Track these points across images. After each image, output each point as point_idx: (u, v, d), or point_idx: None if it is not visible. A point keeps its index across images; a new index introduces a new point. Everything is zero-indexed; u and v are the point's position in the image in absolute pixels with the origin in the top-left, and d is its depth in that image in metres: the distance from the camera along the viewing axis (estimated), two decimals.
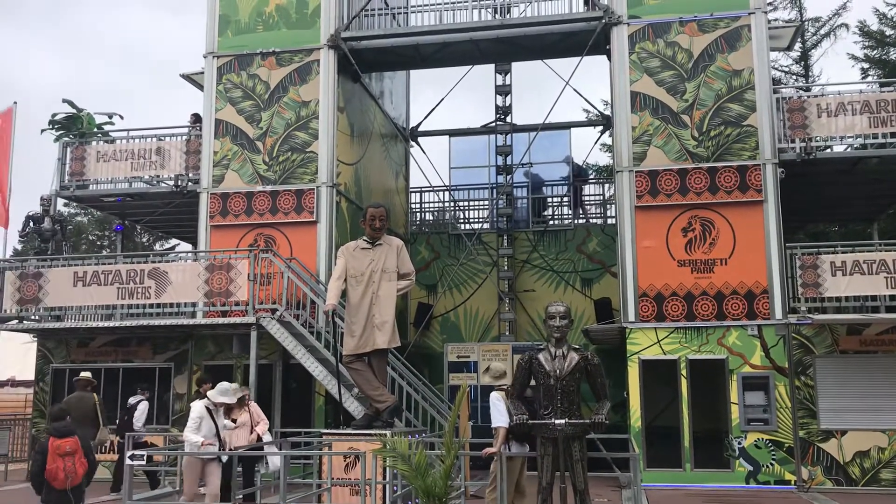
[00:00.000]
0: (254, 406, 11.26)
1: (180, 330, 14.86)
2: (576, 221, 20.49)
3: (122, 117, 17.26)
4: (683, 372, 13.61)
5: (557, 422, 7.09)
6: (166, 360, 15.38)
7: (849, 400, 13.17)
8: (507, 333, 19.64)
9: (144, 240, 32.57)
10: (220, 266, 13.95)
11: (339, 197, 15.63)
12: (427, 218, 22.31)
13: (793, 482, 13.04)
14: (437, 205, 21.98)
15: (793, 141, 14.05)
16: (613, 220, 20.39)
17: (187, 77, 17.35)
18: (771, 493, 12.74)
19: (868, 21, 31.26)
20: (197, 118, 16.94)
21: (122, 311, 14.45)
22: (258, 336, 13.62)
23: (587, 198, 21.20)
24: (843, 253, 13.46)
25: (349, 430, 10.35)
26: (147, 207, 17.53)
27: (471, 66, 19.10)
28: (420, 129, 21.49)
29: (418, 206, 21.89)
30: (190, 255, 14.71)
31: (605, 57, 16.21)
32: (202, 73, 16.46)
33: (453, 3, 16.27)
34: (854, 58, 32.06)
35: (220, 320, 13.93)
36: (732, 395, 13.40)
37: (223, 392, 9.46)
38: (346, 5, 16.11)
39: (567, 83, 16.46)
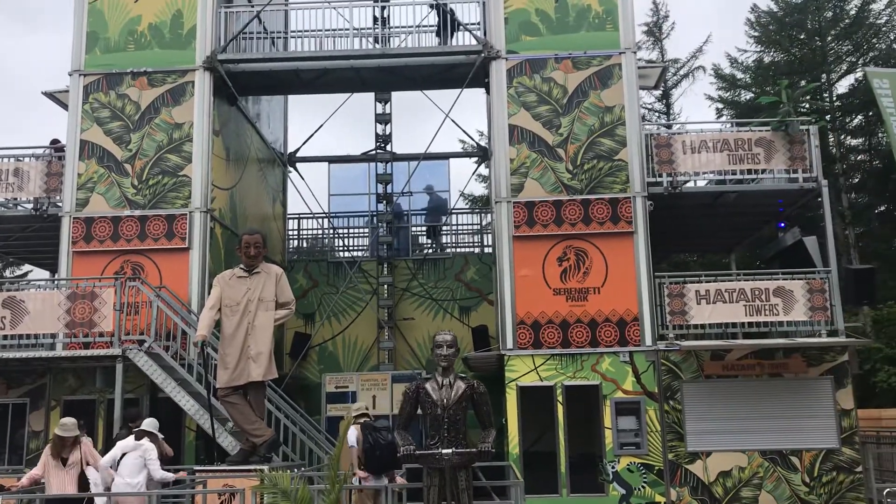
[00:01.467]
0: (86, 444, 10.40)
1: (37, 363, 13.88)
2: (431, 251, 20.68)
3: None
4: (560, 398, 13.91)
5: (444, 451, 7.05)
6: (21, 396, 14.30)
7: (713, 422, 13.82)
8: (386, 362, 19.50)
9: None
10: (83, 294, 13.18)
11: (214, 223, 15.13)
12: (304, 245, 21.98)
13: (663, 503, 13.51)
14: (315, 232, 21.70)
15: (660, 175, 14.75)
16: (490, 249, 20.82)
17: (50, 95, 16.41)
18: None
19: (721, 65, 33.52)
20: (56, 143, 16.03)
21: None
22: (124, 368, 12.93)
23: (463, 227, 21.51)
24: (707, 282, 14.21)
25: (224, 467, 9.92)
26: (2, 232, 16.38)
27: (350, 94, 19.07)
28: (298, 154, 21.19)
29: (296, 232, 21.53)
30: (49, 282, 13.77)
31: (483, 90, 16.61)
32: (66, 91, 15.62)
33: (334, 30, 16.22)
34: (710, 98, 34.30)
35: (83, 352, 13.11)
36: (606, 420, 13.79)
37: (152, 425, 8.98)
38: (223, 27, 15.72)
39: (447, 115, 16.66)
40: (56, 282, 13.72)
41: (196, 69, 15.20)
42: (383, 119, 20.82)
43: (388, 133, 20.88)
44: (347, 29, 16.03)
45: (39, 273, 21.80)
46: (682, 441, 13.75)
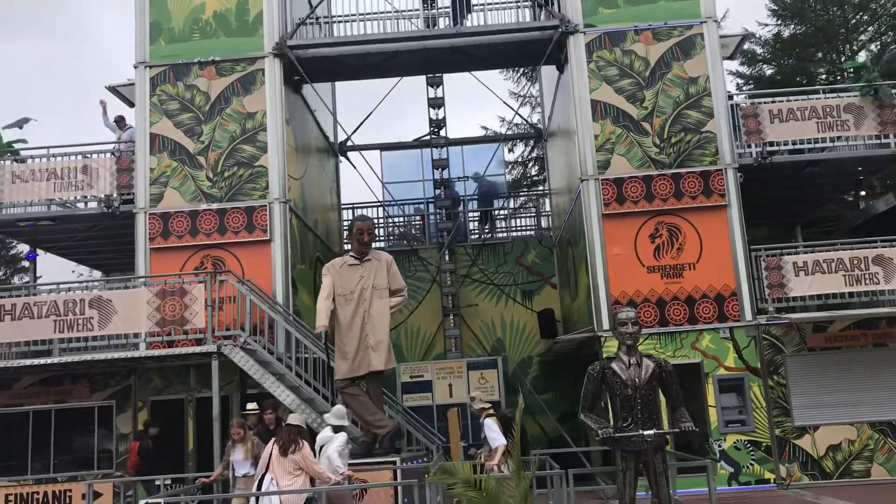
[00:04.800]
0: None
1: (122, 364, 13.52)
2: (489, 236, 20.29)
3: (35, 120, 15.59)
4: None
5: (646, 432, 6.71)
6: (107, 398, 13.94)
7: (819, 396, 13.51)
8: (452, 350, 19.17)
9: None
10: (172, 291, 12.79)
11: (290, 214, 14.75)
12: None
13: (772, 480, 13.22)
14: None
15: (748, 146, 14.39)
16: (549, 232, 20.50)
17: (113, 89, 15.96)
18: (755, 494, 12.85)
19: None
20: (122, 121, 15.67)
21: (59, 346, 12.98)
22: (215, 366, 12.58)
23: (523, 210, 21.16)
24: (804, 253, 13.87)
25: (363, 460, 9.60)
26: (66, 232, 15.97)
27: (400, 78, 18.67)
28: (349, 143, 20.77)
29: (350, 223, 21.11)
30: (137, 280, 13.36)
31: (554, 67, 16.21)
32: (131, 84, 15.20)
33: (400, 11, 15.80)
34: (731, 73, 33.74)
35: (177, 350, 12.72)
36: (710, 398, 13.47)
37: (340, 415, 8.53)
38: (289, 12, 15.30)
39: (500, 98, 16.24)
40: (145, 279, 13.29)
41: (265, 56, 14.78)
42: (436, 103, 20.43)
43: (441, 117, 20.48)
44: (413, 10, 15.63)
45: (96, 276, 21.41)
46: (789, 416, 13.44)
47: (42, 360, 12.95)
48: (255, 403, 10.43)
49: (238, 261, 14.11)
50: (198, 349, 12.62)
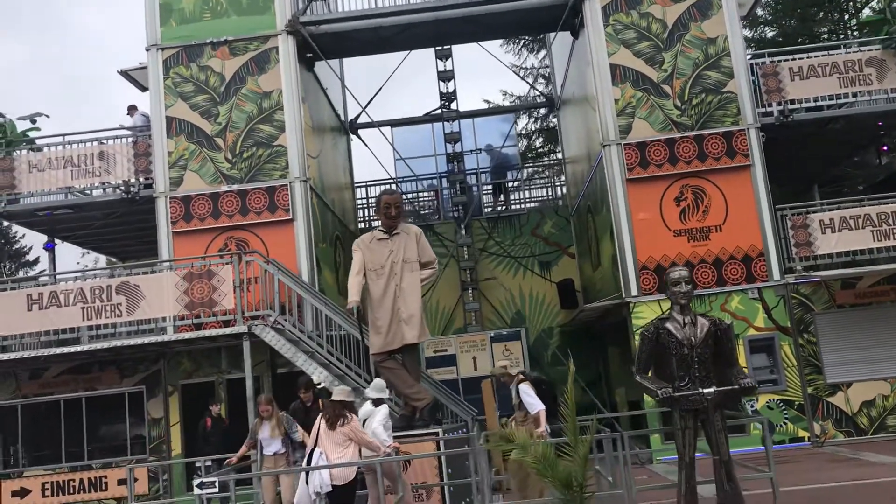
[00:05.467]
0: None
1: (151, 349, 13.49)
2: (503, 208, 20.18)
3: (47, 116, 15.47)
4: None
5: (706, 390, 6.67)
6: (136, 384, 13.92)
7: (850, 352, 13.49)
8: (473, 324, 19.15)
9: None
10: (199, 274, 12.74)
11: (311, 192, 14.65)
12: (372, 214, 21.50)
13: (807, 438, 13.23)
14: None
15: (769, 104, 14.26)
16: (565, 202, 20.40)
17: (125, 73, 15.80)
18: (790, 452, 12.84)
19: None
20: (132, 108, 15.57)
21: (88, 334, 12.96)
22: (247, 347, 12.56)
23: (538, 181, 21.05)
24: (829, 210, 13.79)
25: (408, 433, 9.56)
26: (83, 220, 15.90)
27: (408, 52, 18.53)
28: (361, 120, 20.62)
29: (364, 201, 21.04)
30: (164, 264, 13.28)
31: (569, 33, 16.04)
32: (144, 68, 15.04)
33: None
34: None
35: (205, 333, 12.70)
36: (741, 359, 13.43)
37: (379, 388, 8.44)
38: None
39: (511, 68, 16.09)
40: (170, 263, 13.22)
41: (279, 34, 14.62)
42: (446, 76, 20.24)
43: (451, 91, 20.31)
44: None
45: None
46: (821, 374, 13.43)
47: (71, 349, 12.95)
48: (317, 376, 10.37)
49: (262, 241, 14.04)
50: (228, 330, 12.60)
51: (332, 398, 7.93)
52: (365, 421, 8.31)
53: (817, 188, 19.04)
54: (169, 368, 13.93)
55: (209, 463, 10.81)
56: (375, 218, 20.98)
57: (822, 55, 14.54)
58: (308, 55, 15.47)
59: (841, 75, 14.30)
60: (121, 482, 13.50)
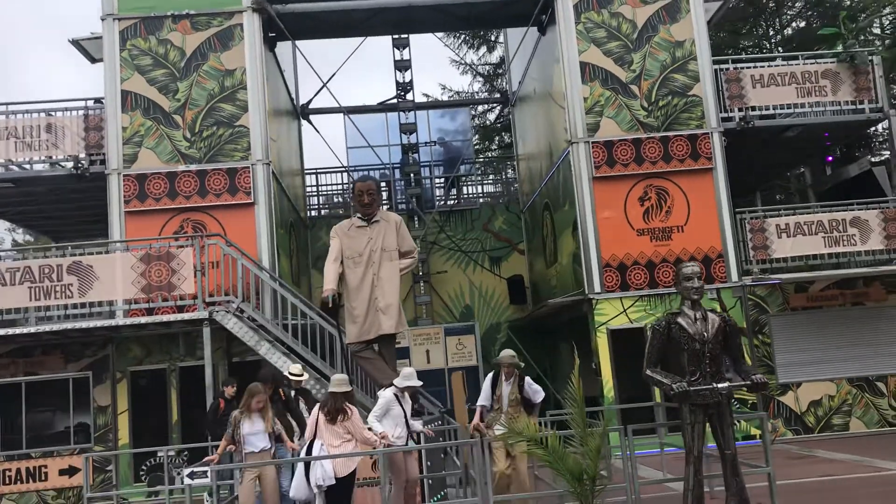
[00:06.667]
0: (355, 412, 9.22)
1: (98, 333, 12.82)
2: (455, 202, 20.11)
3: None
4: None
5: (720, 385, 6.72)
6: (82, 370, 13.21)
7: (801, 353, 13.94)
8: (423, 317, 19.00)
9: None
10: (158, 256, 12.18)
11: (272, 176, 14.21)
12: (322, 202, 21.10)
13: (758, 436, 13.56)
14: (336, 187, 20.81)
15: (731, 110, 14.59)
16: (516, 198, 20.45)
17: (76, 43, 14.95)
18: (746, 449, 13.13)
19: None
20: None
21: (35, 315, 12.19)
22: (196, 334, 12.18)
23: (492, 178, 21.03)
24: (786, 215, 14.21)
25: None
26: (24, 196, 15.01)
27: (364, 38, 18.25)
28: (311, 106, 20.18)
29: (314, 188, 20.60)
30: (120, 244, 12.63)
31: (535, 29, 16.04)
32: (97, 38, 14.29)
33: None
34: None
35: (164, 318, 12.14)
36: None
37: (408, 377, 8.08)
38: None
39: (466, 62, 16.03)
40: (126, 243, 12.59)
41: (244, 11, 14.12)
42: (403, 66, 20.00)
43: (408, 80, 20.08)
44: None
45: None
46: (773, 374, 13.81)
47: (14, 330, 12.19)
48: (298, 366, 9.92)
49: (220, 224, 13.55)
50: (187, 316, 12.09)
51: (332, 389, 7.64)
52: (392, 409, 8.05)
53: (759, 195, 19.74)
54: (118, 354, 13.27)
55: (172, 453, 10.31)
56: (325, 206, 20.78)
57: (783, 65, 14.95)
58: (271, 34, 15.00)
59: (799, 85, 14.75)
60: (62, 472, 12.81)
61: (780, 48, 30.62)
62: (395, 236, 10.72)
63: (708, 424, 7.07)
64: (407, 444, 8.00)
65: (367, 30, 16.18)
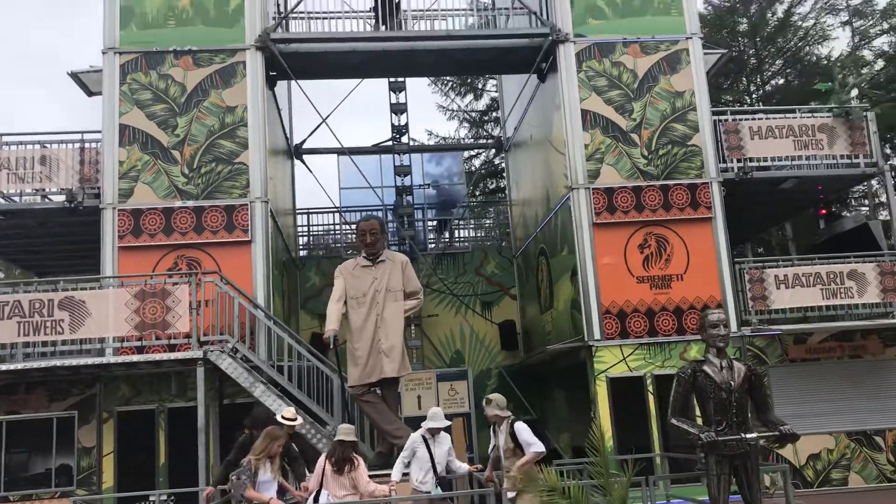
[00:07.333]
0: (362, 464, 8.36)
1: (86, 371, 12.44)
2: (448, 245, 20.04)
3: None
4: (650, 388, 13.58)
5: (749, 436, 6.57)
6: (67, 409, 12.77)
7: (800, 405, 13.83)
8: (414, 361, 18.70)
9: None
10: (153, 293, 11.90)
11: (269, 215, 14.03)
12: (312, 242, 20.90)
13: (772, 493, 13.38)
14: (326, 227, 20.64)
15: (730, 160, 14.69)
16: (509, 243, 20.40)
17: (75, 76, 14.80)
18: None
19: None
20: None
21: (23, 351, 11.82)
22: (187, 374, 11.88)
23: (488, 222, 21.00)
24: (784, 266, 14.24)
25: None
26: (12, 228, 14.68)
27: (360, 80, 18.25)
28: (305, 146, 20.08)
29: (306, 228, 20.42)
30: (113, 280, 12.31)
31: (535, 76, 16.14)
32: (97, 71, 14.15)
33: (382, 11, 15.38)
34: None
35: (157, 356, 11.81)
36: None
37: (434, 417, 7.83)
38: (270, 4, 14.64)
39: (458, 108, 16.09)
40: (122, 279, 12.28)
41: (247, 49, 14.07)
42: (398, 109, 20.03)
43: (403, 123, 20.10)
44: (405, 10, 15.23)
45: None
46: None
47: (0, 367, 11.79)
48: (292, 409, 9.61)
49: (215, 262, 13.29)
50: (180, 355, 11.79)
51: (339, 438, 7.40)
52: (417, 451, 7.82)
53: (749, 246, 19.86)
54: (105, 393, 12.87)
55: (164, 497, 9.93)
56: (317, 246, 20.56)
57: (780, 117, 15.13)
58: (272, 73, 14.95)
59: (796, 138, 14.93)
60: None
61: (760, 103, 31.35)
62: (401, 276, 10.62)
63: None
64: (437, 488, 7.75)
65: (368, 72, 16.18)
